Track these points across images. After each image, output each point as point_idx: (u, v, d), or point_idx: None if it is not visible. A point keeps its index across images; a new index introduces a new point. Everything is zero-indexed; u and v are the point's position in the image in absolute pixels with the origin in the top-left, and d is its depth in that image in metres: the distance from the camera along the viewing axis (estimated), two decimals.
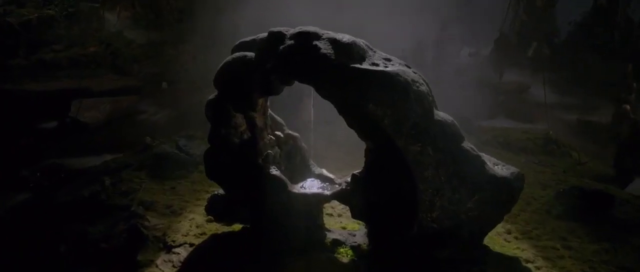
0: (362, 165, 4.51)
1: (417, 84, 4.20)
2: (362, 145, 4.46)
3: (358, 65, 4.08)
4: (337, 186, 4.84)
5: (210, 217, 5.20)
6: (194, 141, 7.64)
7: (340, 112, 4.21)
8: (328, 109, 4.38)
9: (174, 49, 15.47)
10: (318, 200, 4.69)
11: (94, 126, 10.71)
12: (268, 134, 4.95)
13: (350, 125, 4.27)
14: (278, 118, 5.25)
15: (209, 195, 5.16)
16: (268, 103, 4.95)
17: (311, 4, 10.28)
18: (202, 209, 5.36)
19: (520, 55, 13.73)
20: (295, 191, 4.64)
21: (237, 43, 4.73)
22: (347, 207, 4.63)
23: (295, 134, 5.24)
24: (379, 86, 3.99)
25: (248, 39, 4.69)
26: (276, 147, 5.02)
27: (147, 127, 10.33)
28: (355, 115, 4.17)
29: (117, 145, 9.19)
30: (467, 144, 4.39)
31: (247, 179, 4.65)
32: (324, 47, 4.09)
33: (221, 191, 4.99)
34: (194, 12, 16.63)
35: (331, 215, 5.49)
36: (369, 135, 4.30)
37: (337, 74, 4.04)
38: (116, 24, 15.94)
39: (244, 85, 4.46)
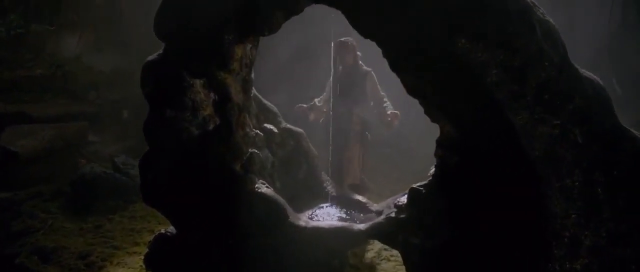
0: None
1: (541, 11, 2.21)
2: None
3: None
4: (373, 213, 2.74)
5: None
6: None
7: (395, 61, 2.22)
8: None
9: None
10: (343, 240, 2.56)
11: (29, 156, 8.48)
12: (252, 125, 2.86)
13: (412, 89, 2.24)
14: (269, 104, 3.19)
15: (153, 236, 3.33)
16: (252, 75, 2.89)
17: None
18: (139, 260, 3.39)
19: None
20: (302, 223, 2.61)
21: None
22: (388, 250, 2.67)
23: (298, 130, 3.18)
24: (479, 5, 1.99)
25: None
26: (266, 150, 2.91)
27: (96, 158, 8.14)
28: (427, 63, 2.12)
29: (53, 177, 7.27)
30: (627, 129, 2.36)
31: (213, 202, 2.52)
32: None
33: (172, 229, 2.83)
34: None
35: (358, 270, 3.30)
36: (451, 107, 2.22)
37: None
38: (76, 48, 14.09)
39: (208, 18, 2.39)
